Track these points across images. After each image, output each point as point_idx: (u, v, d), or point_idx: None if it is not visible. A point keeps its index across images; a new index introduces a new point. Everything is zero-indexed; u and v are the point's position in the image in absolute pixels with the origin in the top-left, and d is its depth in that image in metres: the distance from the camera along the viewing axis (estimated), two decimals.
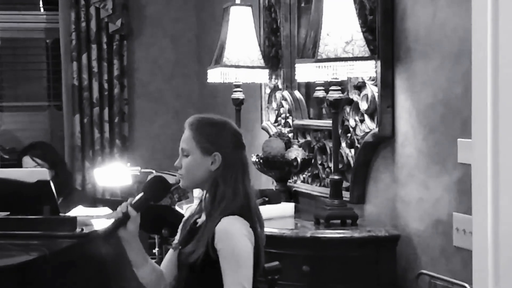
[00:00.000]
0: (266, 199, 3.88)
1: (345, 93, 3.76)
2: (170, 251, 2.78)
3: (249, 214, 2.61)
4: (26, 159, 4.21)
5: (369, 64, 3.44)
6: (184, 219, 2.80)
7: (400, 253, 3.51)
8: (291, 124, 4.45)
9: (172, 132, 5.82)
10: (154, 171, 4.64)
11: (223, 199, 2.58)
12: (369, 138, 3.67)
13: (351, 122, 3.78)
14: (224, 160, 2.61)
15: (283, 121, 4.53)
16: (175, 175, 4.20)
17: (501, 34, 1.81)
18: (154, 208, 3.92)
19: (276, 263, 2.93)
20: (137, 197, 2.64)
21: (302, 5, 4.46)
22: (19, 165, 4.26)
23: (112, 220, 2.62)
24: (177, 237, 2.79)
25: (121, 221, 2.59)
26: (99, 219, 3.63)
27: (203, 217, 2.69)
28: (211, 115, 2.73)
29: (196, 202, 2.81)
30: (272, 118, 4.66)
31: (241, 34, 4.36)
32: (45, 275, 3.05)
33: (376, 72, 3.55)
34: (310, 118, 4.42)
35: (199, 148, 2.62)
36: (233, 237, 2.53)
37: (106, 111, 5.68)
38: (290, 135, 4.35)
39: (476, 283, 1.92)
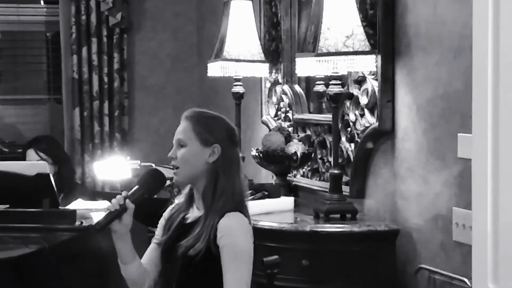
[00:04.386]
0: (266, 193, 3.89)
1: (345, 87, 3.76)
2: (152, 246, 2.74)
3: (245, 210, 2.62)
4: (30, 152, 4.21)
5: (370, 58, 3.44)
6: (166, 215, 2.76)
7: (400, 247, 3.51)
8: (291, 118, 4.45)
9: (172, 125, 5.74)
10: (153, 165, 4.63)
11: (223, 193, 2.58)
12: (369, 132, 3.67)
13: (351, 117, 3.78)
14: (222, 153, 2.61)
15: (283, 115, 4.53)
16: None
17: (502, 29, 1.81)
18: (153, 202, 3.92)
19: (275, 257, 2.93)
20: (133, 189, 2.60)
21: None
22: (23, 157, 4.25)
23: (104, 213, 2.56)
24: (158, 233, 2.75)
25: (118, 214, 2.54)
26: (98, 212, 3.63)
27: (193, 214, 2.67)
28: (207, 110, 2.73)
29: (180, 198, 2.78)
30: (272, 112, 4.66)
31: (242, 28, 4.36)
32: (44, 268, 3.05)
33: (376, 66, 3.55)
34: (310, 112, 4.42)
35: (199, 139, 2.61)
36: (237, 234, 2.54)
37: (106, 104, 5.68)
38: (290, 129, 4.35)
39: (476, 278, 1.92)
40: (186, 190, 2.74)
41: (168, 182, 4.50)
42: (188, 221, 2.67)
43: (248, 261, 2.54)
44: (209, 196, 2.60)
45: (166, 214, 2.77)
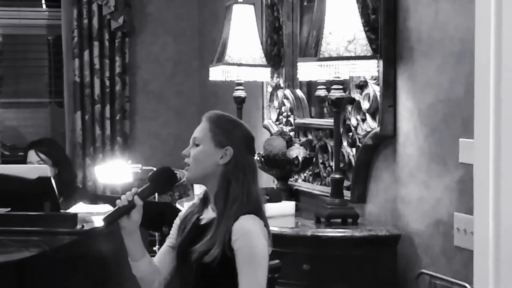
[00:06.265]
0: (267, 197, 3.88)
1: (347, 92, 3.76)
2: (166, 247, 2.76)
3: (261, 214, 2.62)
4: (31, 153, 4.22)
5: (371, 63, 3.44)
6: (181, 216, 2.78)
7: (401, 252, 3.51)
8: (292, 122, 4.45)
9: (173, 129, 5.83)
10: (155, 169, 4.64)
11: (237, 199, 2.58)
12: (371, 137, 3.67)
13: (353, 121, 3.78)
14: (235, 157, 2.61)
15: (284, 119, 4.53)
16: (177, 173, 4.21)
17: (504, 34, 1.81)
18: (154, 206, 3.92)
19: (277, 261, 2.92)
20: (143, 186, 2.62)
21: (305, 3, 4.46)
22: (24, 158, 4.27)
23: (114, 208, 2.58)
24: (173, 234, 2.77)
25: (126, 210, 2.55)
26: (99, 216, 3.63)
27: (208, 215, 2.68)
28: (229, 114, 2.73)
29: (196, 199, 2.80)
30: (274, 116, 4.66)
31: (243, 32, 4.36)
32: (45, 271, 3.05)
33: (378, 71, 3.55)
34: (311, 117, 4.42)
35: (214, 140, 2.62)
36: (252, 236, 2.54)
37: (107, 108, 5.68)
38: (292, 133, 4.35)
39: (477, 283, 1.92)
40: (199, 191, 2.75)
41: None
42: (203, 222, 2.68)
43: (262, 264, 2.54)
44: (221, 202, 2.60)
45: (181, 214, 2.79)
